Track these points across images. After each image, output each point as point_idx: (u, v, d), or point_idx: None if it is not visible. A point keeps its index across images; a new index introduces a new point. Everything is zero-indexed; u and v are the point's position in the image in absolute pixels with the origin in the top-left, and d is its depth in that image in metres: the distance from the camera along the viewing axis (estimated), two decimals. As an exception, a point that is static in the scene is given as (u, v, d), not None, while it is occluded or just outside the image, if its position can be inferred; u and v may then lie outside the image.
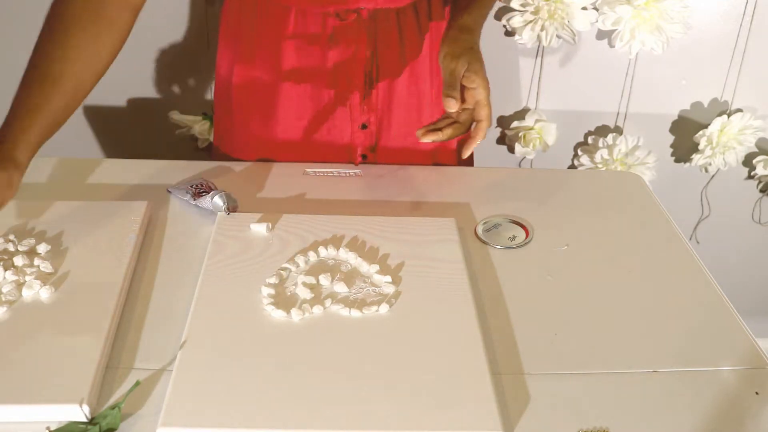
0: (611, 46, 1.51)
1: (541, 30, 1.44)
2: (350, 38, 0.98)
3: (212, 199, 0.91)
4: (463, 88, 0.85)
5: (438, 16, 1.03)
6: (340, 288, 0.79)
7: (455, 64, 0.85)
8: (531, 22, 1.43)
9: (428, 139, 0.86)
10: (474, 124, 0.87)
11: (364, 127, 1.05)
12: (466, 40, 0.87)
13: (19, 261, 0.79)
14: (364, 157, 1.09)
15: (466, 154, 0.87)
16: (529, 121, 1.54)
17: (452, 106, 0.83)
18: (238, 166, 1.05)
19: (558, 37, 1.45)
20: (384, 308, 0.76)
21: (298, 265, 0.82)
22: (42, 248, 0.82)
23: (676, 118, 1.64)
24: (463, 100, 0.85)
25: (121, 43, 0.87)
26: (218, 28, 1.09)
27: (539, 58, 1.54)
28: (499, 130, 1.59)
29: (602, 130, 1.64)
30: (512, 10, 1.41)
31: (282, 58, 1.01)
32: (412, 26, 1.00)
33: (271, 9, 0.98)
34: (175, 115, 1.54)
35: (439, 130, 0.86)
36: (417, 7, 1.00)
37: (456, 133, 0.86)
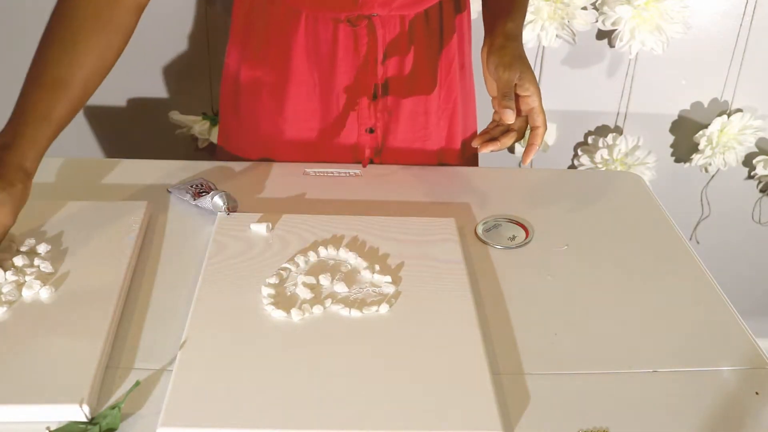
0: (611, 46, 1.51)
1: (541, 30, 1.44)
2: (360, 44, 0.98)
3: (212, 199, 0.91)
4: (516, 96, 0.86)
5: (449, 24, 1.04)
6: (340, 288, 0.79)
7: (509, 74, 0.85)
8: (531, 22, 1.43)
9: (487, 150, 0.87)
10: (530, 130, 0.88)
11: (370, 131, 1.06)
12: (515, 48, 0.88)
13: (19, 261, 0.79)
14: (370, 161, 1.09)
15: (527, 162, 0.87)
16: (529, 121, 1.54)
17: (510, 117, 0.83)
18: (237, 166, 1.05)
19: (558, 37, 1.45)
20: (384, 308, 0.76)
21: (298, 265, 0.82)
22: (42, 248, 0.82)
23: (676, 118, 1.64)
24: (517, 109, 0.86)
25: (125, 44, 0.87)
26: (221, 27, 1.09)
27: (539, 58, 1.54)
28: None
29: (602, 130, 1.64)
30: (512, 10, 1.41)
31: (292, 61, 1.01)
32: (421, 33, 1.01)
33: (282, 12, 0.98)
34: (175, 115, 1.54)
35: (496, 139, 0.87)
36: (428, 14, 1.00)
37: (513, 141, 0.87)
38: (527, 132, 0.89)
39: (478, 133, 1.16)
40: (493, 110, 0.91)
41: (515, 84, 0.85)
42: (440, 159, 1.13)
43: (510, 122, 0.84)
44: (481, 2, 1.02)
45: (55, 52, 0.81)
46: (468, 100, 1.13)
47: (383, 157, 1.09)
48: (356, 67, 1.00)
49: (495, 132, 0.89)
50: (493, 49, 0.88)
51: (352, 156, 1.09)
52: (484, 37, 0.93)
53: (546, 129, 0.88)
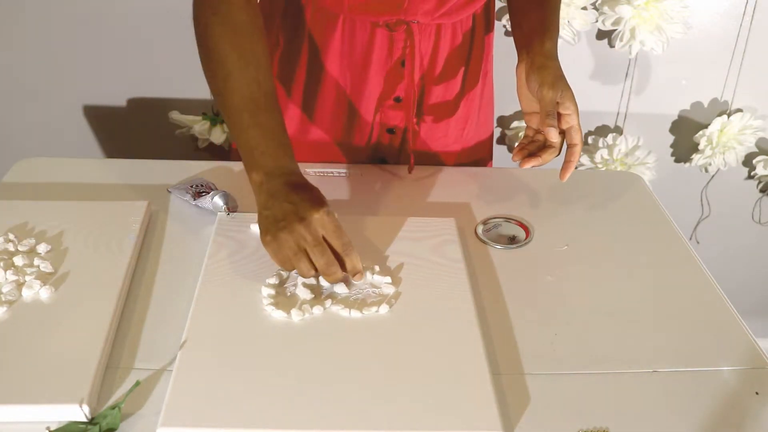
0: (611, 46, 1.51)
1: (541, 30, 1.44)
2: (395, 48, 0.99)
3: (212, 199, 0.91)
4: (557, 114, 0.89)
5: (479, 35, 1.05)
6: (340, 289, 0.79)
7: (552, 93, 0.88)
8: (531, 22, 1.43)
9: (528, 165, 0.90)
10: (566, 147, 0.91)
11: (391, 131, 1.06)
12: (556, 68, 0.90)
13: (19, 261, 0.79)
14: (382, 161, 1.10)
15: (565, 178, 0.91)
16: (529, 121, 1.54)
17: (555, 136, 0.87)
18: (237, 166, 1.05)
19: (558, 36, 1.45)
20: (384, 309, 0.76)
21: (298, 265, 0.82)
22: (42, 248, 0.82)
23: (676, 118, 1.64)
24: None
25: (264, 34, 0.88)
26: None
27: (539, 58, 1.54)
28: (499, 130, 1.59)
29: (602, 130, 1.64)
30: (512, 10, 1.41)
31: (326, 63, 1.02)
32: (453, 42, 1.02)
33: (317, 15, 0.99)
34: (175, 115, 1.54)
35: (536, 155, 0.90)
36: (462, 24, 1.01)
37: (553, 157, 0.90)
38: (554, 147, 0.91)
39: (492, 139, 1.18)
40: (526, 125, 0.95)
41: (557, 102, 0.88)
42: (457, 161, 1.13)
43: (554, 140, 0.88)
44: (509, 18, 1.03)
45: (244, 76, 0.83)
46: (485, 105, 1.14)
47: (401, 158, 1.10)
48: (387, 70, 1.01)
49: (531, 147, 0.92)
50: (533, 69, 0.90)
51: (370, 155, 1.10)
52: (520, 55, 0.94)
53: (582, 146, 0.91)
